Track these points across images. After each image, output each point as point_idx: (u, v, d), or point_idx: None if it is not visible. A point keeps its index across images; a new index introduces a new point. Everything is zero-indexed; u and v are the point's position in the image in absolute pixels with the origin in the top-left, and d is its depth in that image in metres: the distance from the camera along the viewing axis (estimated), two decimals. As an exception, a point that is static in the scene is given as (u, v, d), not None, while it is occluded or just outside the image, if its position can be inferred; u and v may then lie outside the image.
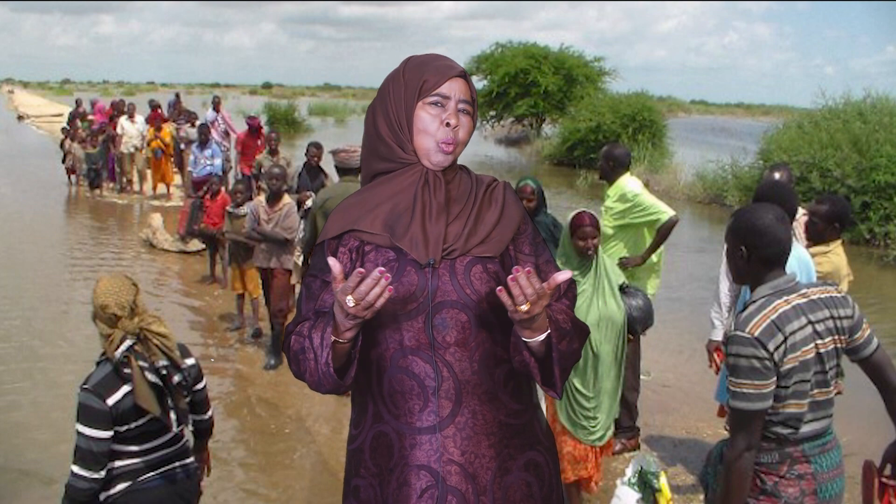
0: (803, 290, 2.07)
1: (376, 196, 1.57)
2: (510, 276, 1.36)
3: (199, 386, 2.64)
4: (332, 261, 1.38)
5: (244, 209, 6.05)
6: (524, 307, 1.37)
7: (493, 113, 28.06)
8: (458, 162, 1.67)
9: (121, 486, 2.39)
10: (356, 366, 1.48)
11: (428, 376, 1.49)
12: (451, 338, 1.49)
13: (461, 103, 1.55)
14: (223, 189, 7.85)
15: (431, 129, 1.54)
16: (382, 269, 1.35)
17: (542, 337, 1.46)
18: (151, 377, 2.37)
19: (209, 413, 2.75)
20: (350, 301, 1.34)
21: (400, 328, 1.50)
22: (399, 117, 1.56)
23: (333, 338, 1.43)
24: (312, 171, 6.98)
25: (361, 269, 1.35)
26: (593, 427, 3.16)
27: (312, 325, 1.52)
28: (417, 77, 1.55)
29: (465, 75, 1.57)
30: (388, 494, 1.52)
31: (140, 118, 13.48)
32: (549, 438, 1.68)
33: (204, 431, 2.78)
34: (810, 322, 2.01)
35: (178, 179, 13.21)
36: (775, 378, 1.97)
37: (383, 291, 1.35)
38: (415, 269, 1.50)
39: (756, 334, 1.96)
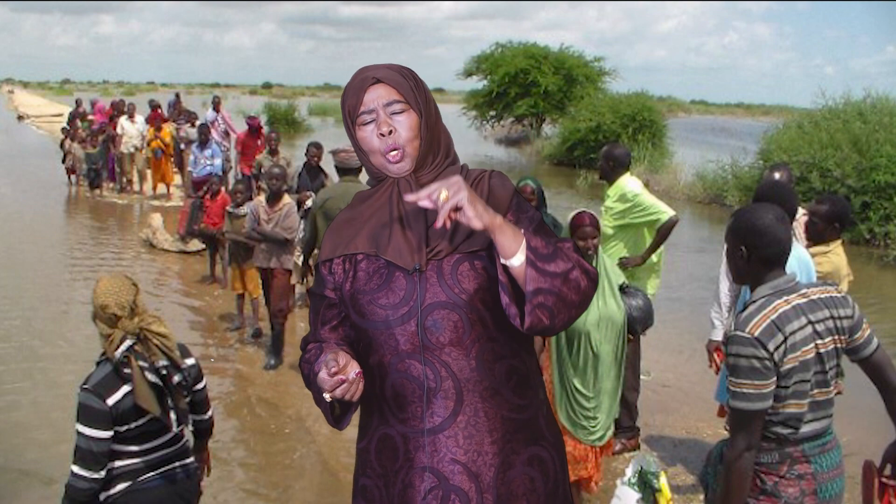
0: (803, 290, 2.07)
1: (362, 215, 1.63)
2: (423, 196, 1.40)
3: (199, 386, 2.64)
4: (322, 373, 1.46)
5: (244, 209, 6.05)
6: (443, 195, 1.37)
7: (493, 113, 28.04)
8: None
9: (121, 486, 2.39)
10: (352, 414, 1.60)
11: (427, 378, 1.51)
12: (446, 338, 1.51)
13: (388, 107, 1.54)
14: (223, 189, 7.85)
15: (372, 145, 1.56)
16: (358, 370, 1.45)
17: (523, 255, 1.40)
18: (151, 377, 2.37)
19: (209, 413, 2.75)
20: (326, 396, 1.46)
21: (394, 333, 1.52)
22: (355, 146, 1.61)
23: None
24: (312, 171, 6.98)
25: (338, 371, 1.43)
26: (593, 427, 3.16)
27: (318, 356, 1.60)
28: (344, 104, 1.59)
29: (381, 79, 1.55)
30: (394, 496, 1.55)
31: (140, 118, 13.48)
32: (555, 434, 1.68)
33: (204, 431, 2.78)
34: (810, 322, 2.01)
35: (178, 179, 13.21)
36: (775, 378, 1.97)
37: (356, 390, 1.46)
38: (403, 275, 1.53)
39: (756, 334, 1.96)
